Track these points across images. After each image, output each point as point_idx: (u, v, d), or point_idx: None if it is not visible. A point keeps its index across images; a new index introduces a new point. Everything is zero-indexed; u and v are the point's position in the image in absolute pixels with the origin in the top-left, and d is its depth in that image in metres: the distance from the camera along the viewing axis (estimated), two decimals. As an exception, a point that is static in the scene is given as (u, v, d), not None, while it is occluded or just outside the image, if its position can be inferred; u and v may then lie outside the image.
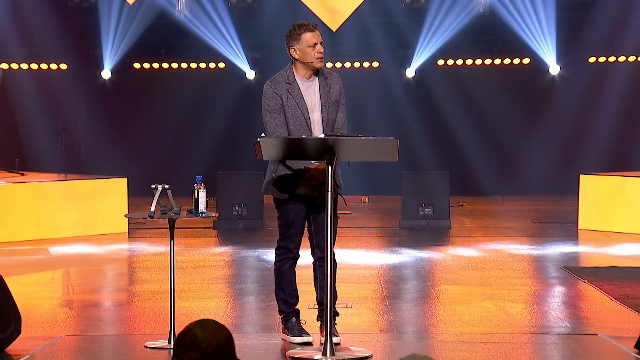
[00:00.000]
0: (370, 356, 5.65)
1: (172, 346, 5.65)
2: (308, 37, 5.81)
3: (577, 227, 11.29)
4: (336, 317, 5.91)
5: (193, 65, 14.81)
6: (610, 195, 11.20)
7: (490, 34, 14.17)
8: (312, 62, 5.84)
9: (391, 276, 8.59)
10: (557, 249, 9.97)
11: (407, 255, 9.63)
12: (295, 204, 5.88)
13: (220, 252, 10.09)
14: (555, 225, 11.54)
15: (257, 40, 14.65)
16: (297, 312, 6.05)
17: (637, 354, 5.62)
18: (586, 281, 8.10)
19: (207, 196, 6.08)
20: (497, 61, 14.52)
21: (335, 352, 5.59)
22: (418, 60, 14.56)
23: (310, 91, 5.86)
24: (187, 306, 7.14)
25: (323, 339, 5.69)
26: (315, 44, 5.83)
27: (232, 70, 14.63)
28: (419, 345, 6.13)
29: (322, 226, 5.80)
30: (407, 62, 14.68)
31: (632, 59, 14.44)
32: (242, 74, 14.67)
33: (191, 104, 14.77)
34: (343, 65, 14.76)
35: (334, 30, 14.47)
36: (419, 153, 14.25)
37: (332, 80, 5.93)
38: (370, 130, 13.42)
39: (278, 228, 6.06)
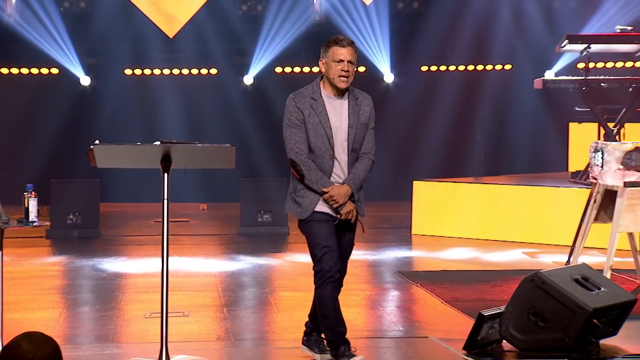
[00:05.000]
0: (207, 364, 5.63)
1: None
2: (336, 51, 5.38)
3: (411, 232, 11.57)
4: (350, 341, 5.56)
5: (24, 70, 14.41)
6: (442, 201, 11.53)
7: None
8: (333, 79, 5.39)
9: (229, 283, 8.58)
10: (392, 254, 10.18)
11: (245, 262, 9.65)
12: (320, 222, 5.44)
13: (53, 262, 9.84)
14: (390, 231, 11.79)
15: (91, 46, 14.40)
16: (347, 341, 5.50)
17: (465, 355, 5.80)
18: (419, 285, 8.30)
19: (38, 205, 5.91)
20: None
21: (171, 361, 5.53)
22: (256, 68, 14.62)
23: (337, 110, 5.45)
24: (16, 318, 6.93)
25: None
26: (342, 60, 5.37)
27: (66, 75, 14.32)
28: (256, 352, 6.15)
29: (346, 252, 5.55)
30: (245, 69, 14.72)
31: (461, 67, 14.93)
32: (76, 79, 14.38)
33: (22, 110, 14.36)
34: (180, 71, 14.68)
35: (171, 37, 14.38)
36: (257, 160, 14.31)
37: (364, 101, 5.49)
38: (208, 137, 13.52)
39: (310, 253, 5.54)
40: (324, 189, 5.40)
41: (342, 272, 5.57)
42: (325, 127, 5.39)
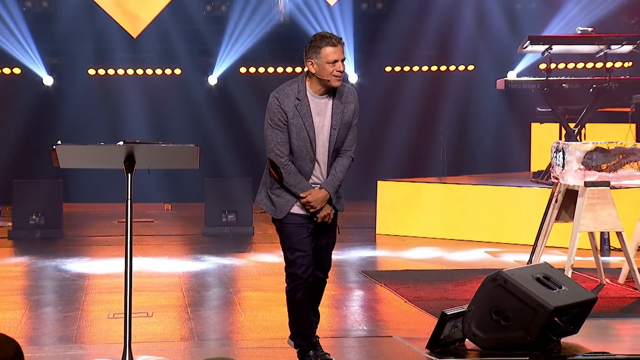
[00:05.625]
0: (170, 365, 5.61)
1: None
2: (329, 51, 5.23)
3: (375, 232, 11.60)
4: (318, 339, 5.56)
5: (-14, 70, 14.29)
6: (406, 200, 11.57)
7: (290, 42, 14.39)
8: (328, 80, 5.24)
9: (193, 284, 8.55)
10: (357, 254, 10.19)
11: (209, 263, 9.63)
12: (295, 226, 5.34)
13: (15, 263, 9.76)
14: (354, 231, 11.79)
15: (54, 46, 14.28)
16: (315, 344, 5.48)
17: (428, 354, 5.83)
18: (383, 285, 8.32)
19: (1, 205, 5.87)
20: (298, 69, 14.74)
21: (135, 362, 5.50)
22: (220, 68, 14.59)
23: (322, 110, 5.29)
24: (-21, 319, 6.87)
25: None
26: (336, 60, 5.22)
27: (29, 75, 14.19)
28: (220, 352, 6.13)
29: (328, 249, 5.47)
30: (210, 70, 14.68)
31: (425, 68, 14.99)
32: (39, 79, 14.26)
33: (-15, 111, 14.24)
34: (145, 71, 14.60)
35: (135, 37, 14.30)
36: (221, 160, 14.27)
37: (349, 98, 5.34)
38: (172, 137, 13.48)
39: (283, 254, 5.43)
40: (302, 194, 5.32)
41: (327, 266, 5.52)
42: (309, 129, 5.27)
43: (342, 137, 5.37)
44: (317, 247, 5.43)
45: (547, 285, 5.92)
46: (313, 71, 5.29)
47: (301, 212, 5.36)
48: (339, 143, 5.37)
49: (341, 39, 5.37)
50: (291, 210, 5.35)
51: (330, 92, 5.34)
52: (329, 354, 5.57)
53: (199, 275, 8.95)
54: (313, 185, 5.37)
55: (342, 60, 5.28)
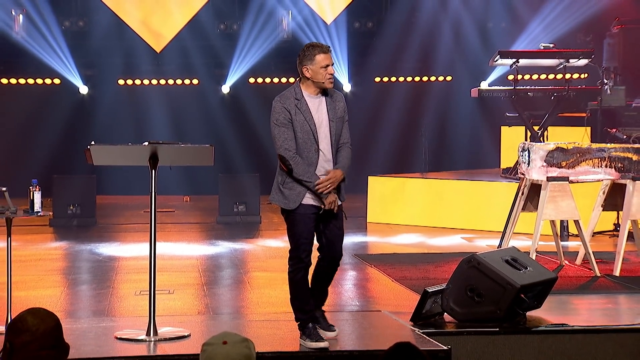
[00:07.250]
0: (189, 335, 5.61)
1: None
2: (321, 58, 5.27)
3: (366, 220, 11.59)
4: (324, 313, 5.53)
5: (30, 80, 14.26)
6: (393, 193, 11.57)
7: (292, 56, 14.35)
8: (323, 83, 5.29)
9: (209, 265, 8.56)
10: (350, 239, 10.18)
11: (223, 247, 9.62)
12: (304, 214, 5.28)
13: (55, 247, 9.76)
14: (348, 219, 11.73)
15: (89, 59, 14.28)
16: (313, 317, 5.43)
17: (412, 325, 5.83)
18: (373, 266, 8.32)
19: (42, 197, 5.85)
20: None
21: (158, 332, 5.51)
22: (232, 78, 14.58)
23: (318, 107, 5.31)
24: (23, 295, 6.87)
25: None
26: (328, 65, 5.27)
27: (67, 85, 14.19)
28: (232, 325, 6.14)
29: (337, 236, 5.39)
30: (223, 80, 14.67)
31: (409, 79, 14.99)
32: (76, 89, 14.26)
33: (29, 115, 14.22)
34: (167, 82, 14.59)
35: (158, 52, 14.30)
36: (233, 158, 14.26)
37: (337, 97, 5.38)
38: (190, 139, 13.46)
39: (289, 239, 5.36)
40: (324, 173, 5.26)
41: (338, 255, 5.44)
42: (310, 123, 5.28)
43: (339, 130, 5.37)
44: (327, 238, 5.37)
45: (515, 266, 5.93)
46: (308, 76, 5.30)
47: (311, 202, 5.31)
48: (337, 135, 5.37)
49: (329, 46, 5.42)
50: (302, 202, 5.31)
51: (322, 93, 5.37)
52: (333, 326, 5.52)
53: (213, 258, 8.95)
54: (321, 176, 5.31)
55: (332, 65, 5.33)
